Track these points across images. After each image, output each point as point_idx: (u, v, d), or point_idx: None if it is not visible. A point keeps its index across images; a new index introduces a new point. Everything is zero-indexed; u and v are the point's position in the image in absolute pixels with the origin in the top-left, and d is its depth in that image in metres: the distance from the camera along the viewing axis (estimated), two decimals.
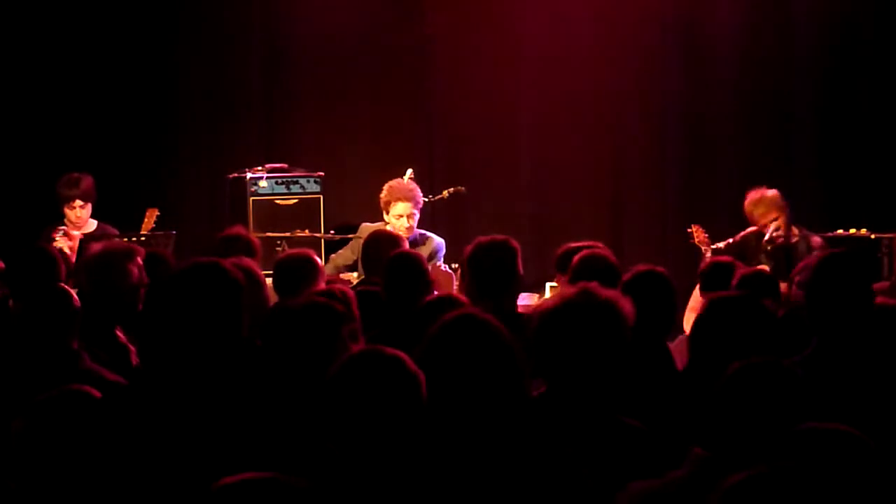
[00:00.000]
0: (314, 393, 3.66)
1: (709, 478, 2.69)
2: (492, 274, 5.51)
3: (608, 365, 3.61)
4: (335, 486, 3.12)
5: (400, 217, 8.55)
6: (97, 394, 3.71)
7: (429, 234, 8.75)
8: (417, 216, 8.64)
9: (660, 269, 5.27)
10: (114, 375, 4.69)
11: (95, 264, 5.61)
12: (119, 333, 5.33)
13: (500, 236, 5.71)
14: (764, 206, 8.73)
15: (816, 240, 8.70)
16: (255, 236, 6.86)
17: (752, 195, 8.81)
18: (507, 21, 10.53)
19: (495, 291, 5.46)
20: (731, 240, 8.87)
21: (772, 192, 8.78)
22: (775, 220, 8.67)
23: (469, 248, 5.69)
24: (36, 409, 3.60)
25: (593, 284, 3.76)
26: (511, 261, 5.55)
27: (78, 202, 8.73)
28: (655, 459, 3.58)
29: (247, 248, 6.34)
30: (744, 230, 8.93)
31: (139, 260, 5.58)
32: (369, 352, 3.29)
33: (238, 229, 6.97)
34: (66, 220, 8.81)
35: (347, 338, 3.85)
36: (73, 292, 5.03)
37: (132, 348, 5.29)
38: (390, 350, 3.25)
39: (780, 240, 8.61)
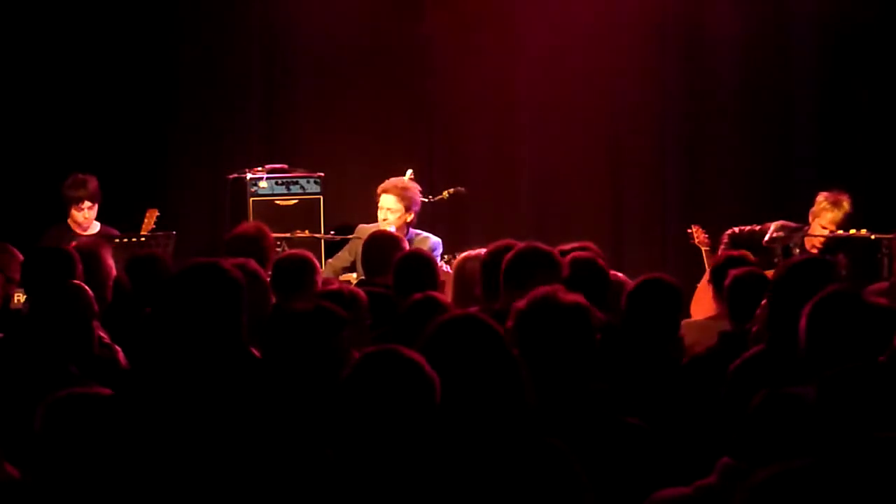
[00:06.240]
0: (315, 396, 3.67)
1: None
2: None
3: (577, 364, 3.63)
4: (338, 489, 3.12)
5: (380, 209, 8.55)
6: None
7: (424, 233, 8.73)
8: (407, 217, 8.57)
9: (668, 277, 5.28)
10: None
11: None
12: (103, 334, 5.33)
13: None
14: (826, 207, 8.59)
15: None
16: (269, 234, 6.78)
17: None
18: (507, 21, 10.53)
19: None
20: (746, 228, 8.75)
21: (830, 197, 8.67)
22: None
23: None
24: (46, 409, 3.62)
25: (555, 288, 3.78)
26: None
27: (86, 203, 8.76)
28: (657, 456, 3.60)
29: (259, 248, 6.33)
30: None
31: (107, 252, 5.63)
32: (386, 352, 3.24)
33: (249, 227, 6.93)
34: (70, 221, 8.81)
35: (348, 340, 3.86)
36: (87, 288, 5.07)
37: (118, 348, 5.30)
38: (408, 351, 3.22)
39: (776, 243, 8.58)
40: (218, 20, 10.44)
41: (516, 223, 10.11)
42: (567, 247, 5.95)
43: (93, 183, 8.81)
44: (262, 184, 9.65)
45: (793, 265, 4.71)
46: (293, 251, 6.38)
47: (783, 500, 2.38)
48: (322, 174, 9.82)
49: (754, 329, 5.05)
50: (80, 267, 5.65)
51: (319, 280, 5.97)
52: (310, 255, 6.08)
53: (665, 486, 3.51)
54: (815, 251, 8.43)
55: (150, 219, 8.96)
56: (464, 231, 10.08)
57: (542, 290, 3.79)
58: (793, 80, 10.60)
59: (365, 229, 8.29)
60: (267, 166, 9.79)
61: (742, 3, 10.54)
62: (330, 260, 8.86)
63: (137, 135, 10.23)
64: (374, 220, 8.76)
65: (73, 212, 8.78)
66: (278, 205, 9.64)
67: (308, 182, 9.76)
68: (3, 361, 4.92)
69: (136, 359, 5.03)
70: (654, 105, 10.69)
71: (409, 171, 9.07)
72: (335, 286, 5.33)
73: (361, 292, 5.16)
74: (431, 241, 8.61)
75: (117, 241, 8.20)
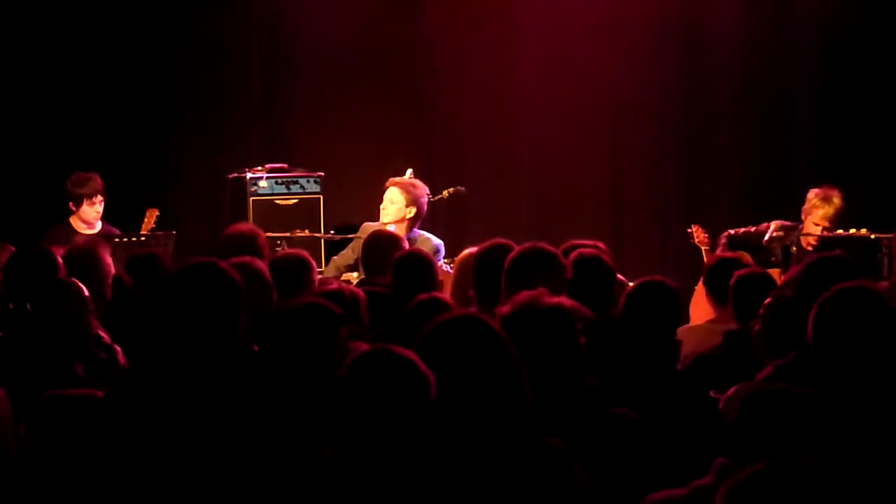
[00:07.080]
0: (312, 394, 3.67)
1: None
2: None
3: (561, 365, 3.64)
4: (336, 486, 3.12)
5: (384, 201, 8.58)
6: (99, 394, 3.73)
7: (427, 234, 8.73)
8: (408, 212, 8.58)
9: (667, 280, 5.28)
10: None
11: (65, 259, 5.66)
12: (103, 333, 5.33)
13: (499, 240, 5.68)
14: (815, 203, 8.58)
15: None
16: (262, 233, 6.78)
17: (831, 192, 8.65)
18: (507, 20, 10.53)
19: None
20: (742, 229, 8.77)
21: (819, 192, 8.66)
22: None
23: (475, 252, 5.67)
24: (37, 410, 3.62)
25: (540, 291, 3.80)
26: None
27: (98, 197, 8.82)
28: (647, 444, 3.61)
29: (253, 248, 6.33)
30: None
31: (105, 251, 5.65)
32: (381, 351, 3.25)
33: (243, 227, 6.93)
34: (74, 219, 8.80)
35: (345, 339, 3.86)
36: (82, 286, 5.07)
37: (118, 348, 5.30)
38: (402, 350, 3.23)
39: (775, 243, 8.57)
40: (218, 20, 10.44)
41: (516, 223, 10.11)
42: (578, 242, 5.93)
43: (98, 178, 8.86)
44: (262, 183, 9.66)
45: (816, 264, 4.65)
46: (289, 251, 6.37)
47: (764, 498, 2.38)
48: (322, 174, 9.83)
49: (756, 328, 5.05)
50: (60, 263, 5.64)
51: (316, 279, 5.97)
52: (306, 254, 6.07)
53: (663, 479, 3.52)
54: (809, 249, 8.43)
55: (150, 219, 8.97)
56: (464, 231, 10.07)
57: (525, 294, 3.81)
58: (793, 80, 10.60)
59: (369, 228, 8.28)
60: (267, 166, 9.79)
61: (742, 3, 10.54)
62: (334, 257, 8.85)
63: (137, 134, 10.23)
64: (376, 218, 8.77)
65: (85, 208, 8.78)
66: (278, 204, 9.65)
67: (308, 182, 9.76)
68: (2, 361, 4.92)
69: (136, 358, 5.04)
70: (654, 105, 10.69)
71: (409, 171, 9.07)
72: (334, 286, 5.33)
73: (361, 292, 5.16)
74: (434, 243, 8.59)
75: (117, 240, 8.21)
